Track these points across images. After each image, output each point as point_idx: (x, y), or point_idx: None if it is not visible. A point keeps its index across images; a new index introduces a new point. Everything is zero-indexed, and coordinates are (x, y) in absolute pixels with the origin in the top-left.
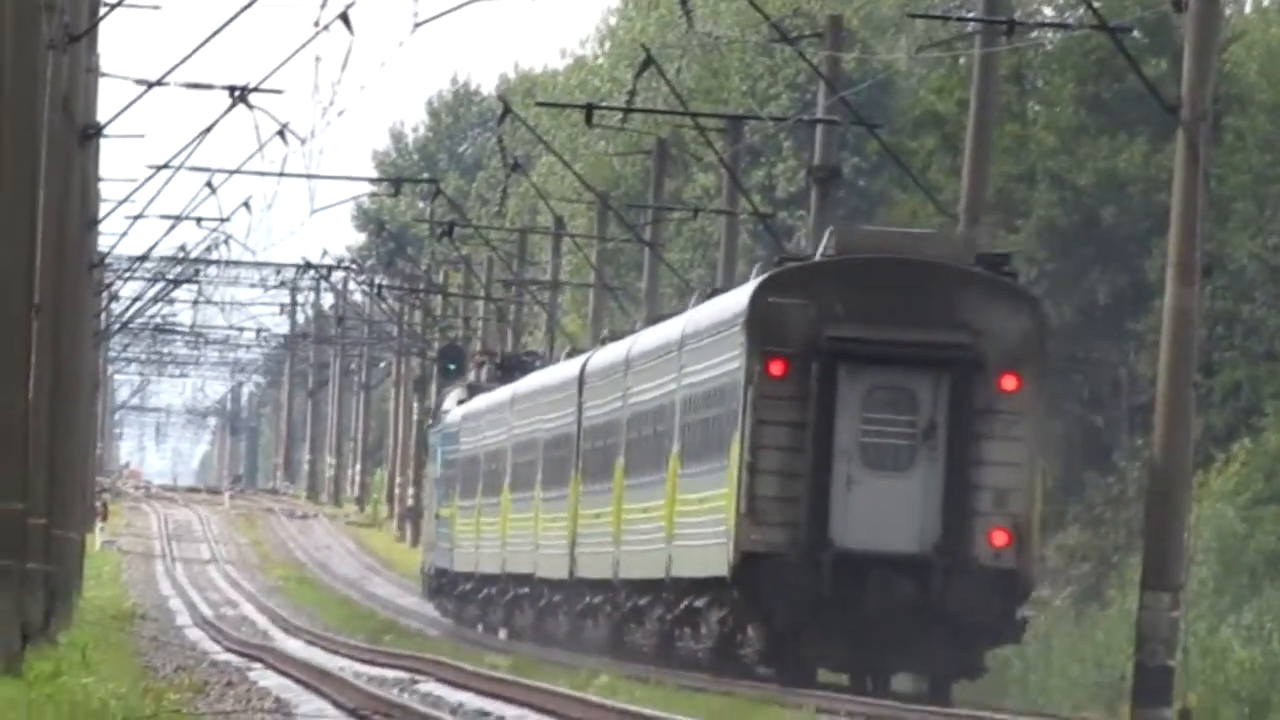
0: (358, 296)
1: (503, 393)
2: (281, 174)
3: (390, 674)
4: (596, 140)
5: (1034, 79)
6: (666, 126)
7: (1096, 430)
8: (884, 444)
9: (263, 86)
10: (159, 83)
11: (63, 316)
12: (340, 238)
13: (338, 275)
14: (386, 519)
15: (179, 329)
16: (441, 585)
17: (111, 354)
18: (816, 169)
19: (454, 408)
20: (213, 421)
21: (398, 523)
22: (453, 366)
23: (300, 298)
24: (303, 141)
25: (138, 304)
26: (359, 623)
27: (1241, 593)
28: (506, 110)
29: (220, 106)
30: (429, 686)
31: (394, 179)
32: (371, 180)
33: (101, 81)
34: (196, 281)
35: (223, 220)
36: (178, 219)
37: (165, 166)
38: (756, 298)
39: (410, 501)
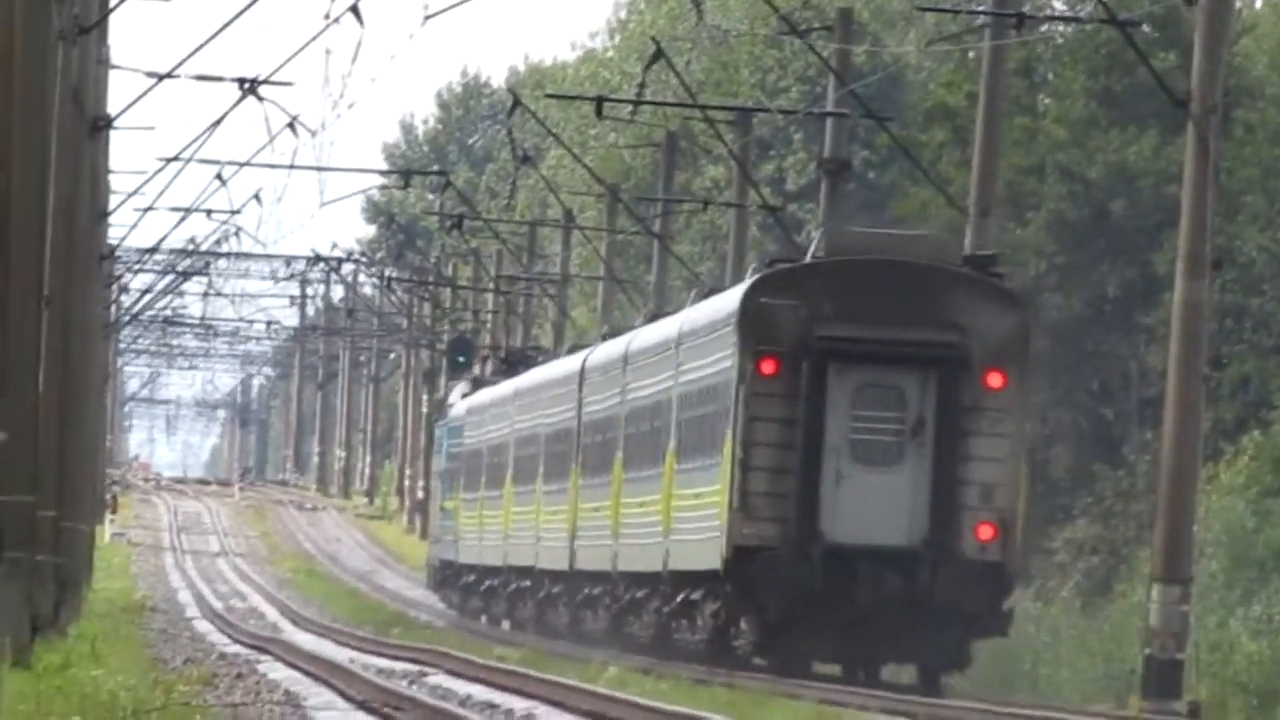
0: (367, 289)
1: (506, 387)
2: (291, 166)
3: (399, 666)
4: (606, 133)
5: (1044, 72)
6: (676, 119)
7: (1106, 423)
8: (873, 440)
9: (273, 79)
10: (169, 75)
11: (73, 308)
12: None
13: (347, 268)
14: (396, 511)
15: (189, 321)
16: (446, 577)
17: (121, 346)
18: (826, 162)
19: (459, 401)
20: (222, 414)
21: (407, 515)
22: (462, 359)
23: (310, 290)
24: (313, 134)
25: (148, 296)
26: (368, 615)
27: (1251, 586)
28: (516, 103)
29: (230, 99)
30: (438, 679)
31: (404, 171)
32: (381, 173)
33: (112, 73)
34: (206, 274)
35: (233, 213)
36: (188, 211)
37: (175, 159)
38: (748, 298)
39: (420, 494)
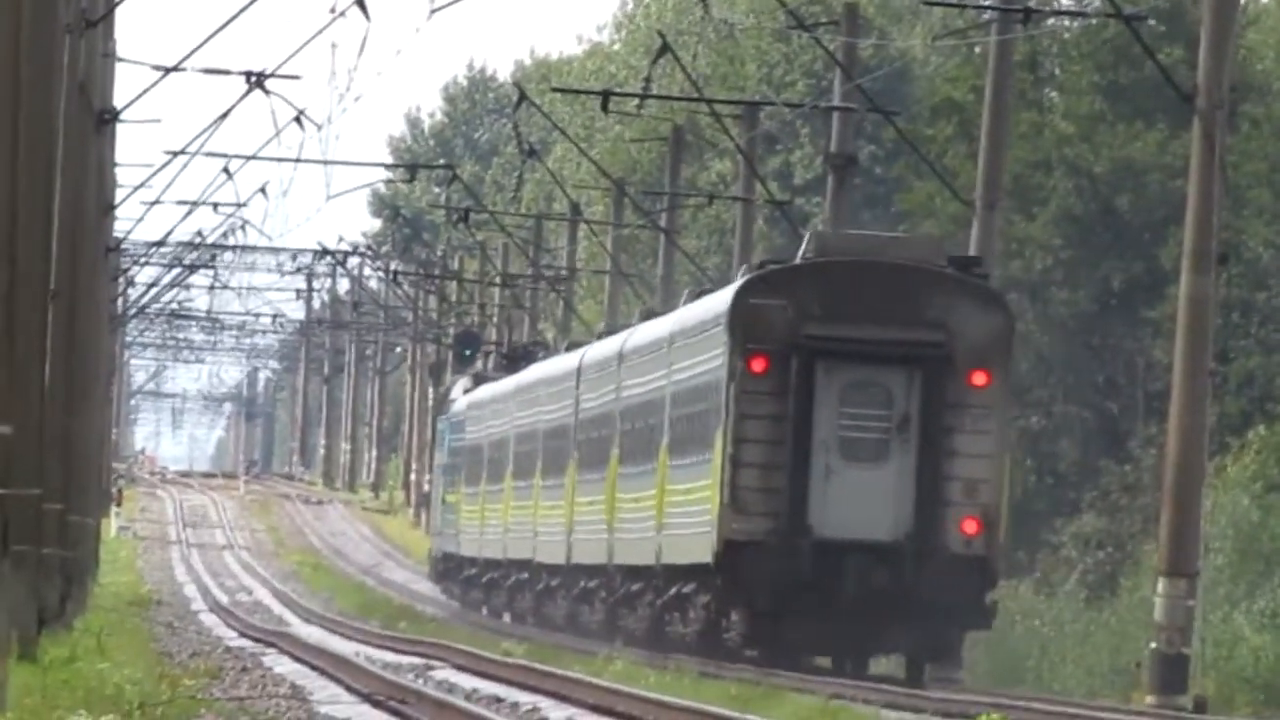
0: (373, 282)
1: (506, 383)
2: (298, 160)
3: (405, 660)
4: (612, 127)
5: (1050, 67)
6: (682, 113)
7: (1112, 417)
8: (860, 437)
9: (279, 72)
10: (176, 68)
11: (79, 302)
12: (356, 223)
13: (354, 261)
14: (402, 505)
15: (195, 314)
16: (448, 569)
17: (127, 339)
18: (833, 156)
19: (460, 396)
20: (228, 407)
21: (413, 509)
22: (468, 352)
23: (316, 283)
24: (319, 127)
25: (154, 289)
26: (374, 609)
27: (1257, 580)
28: (522, 96)
29: (237, 92)
30: (444, 673)
31: (410, 165)
32: (387, 166)
33: (118, 66)
34: (212, 267)
35: (239, 206)
36: (194, 204)
37: (182, 152)
38: (738, 298)
39: (426, 488)
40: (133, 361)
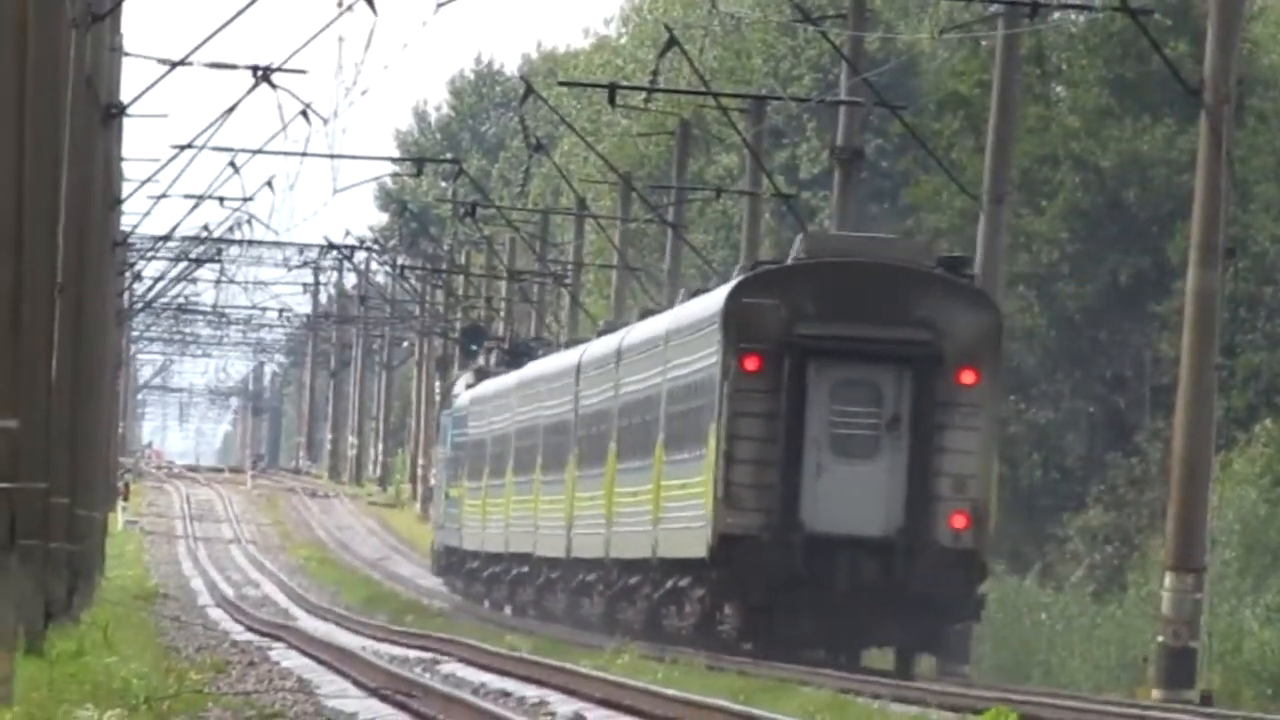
0: (380, 277)
1: (508, 379)
2: (304, 154)
3: (412, 654)
4: (619, 121)
5: (1057, 61)
6: (689, 107)
7: (1119, 411)
8: (851, 434)
9: (286, 66)
10: (182, 62)
11: (85, 296)
12: (363, 218)
13: (360, 255)
14: (409, 499)
15: (202, 309)
16: (451, 563)
17: (134, 334)
18: (839, 150)
19: (463, 392)
20: (235, 401)
21: (420, 503)
22: (475, 347)
23: (323, 278)
24: (325, 121)
25: (160, 284)
26: (381, 603)
27: (1264, 574)
28: (529, 90)
29: (243, 86)
30: (451, 667)
31: (416, 159)
32: (394, 160)
33: (125, 61)
34: (219, 261)
35: (246, 200)
36: (200, 199)
37: (188, 146)
38: (732, 298)
39: (432, 482)
40: (139, 356)
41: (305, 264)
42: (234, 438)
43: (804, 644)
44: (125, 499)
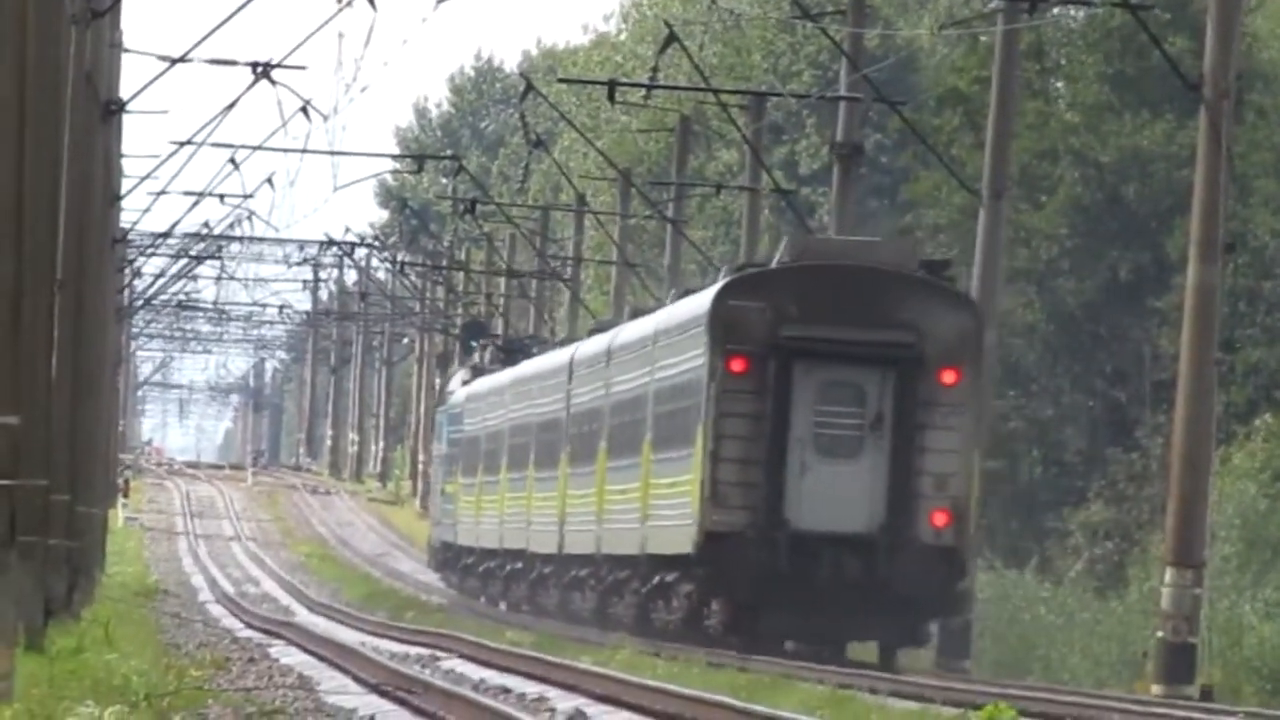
0: (380, 273)
1: (502, 377)
2: (304, 150)
3: (413, 650)
4: (619, 117)
5: (1056, 56)
6: (689, 103)
7: (1119, 406)
8: (835, 434)
9: (286, 63)
10: (182, 59)
11: (85, 293)
12: (363, 214)
13: (360, 252)
14: (409, 496)
15: (202, 305)
16: (446, 558)
17: (134, 330)
18: (839, 146)
19: (459, 389)
20: (235, 398)
21: (420, 499)
22: (475, 343)
23: (323, 274)
24: (325, 118)
25: (160, 280)
26: (381, 599)
27: (1264, 569)
28: (529, 87)
29: (243, 83)
30: (451, 663)
31: (417, 155)
32: (394, 157)
33: (124, 57)
34: (219, 258)
35: (246, 197)
36: (201, 195)
37: (188, 143)
38: (718, 300)
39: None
40: (139, 352)
41: (305, 261)
42: (234, 434)
43: (789, 639)
44: (125, 496)
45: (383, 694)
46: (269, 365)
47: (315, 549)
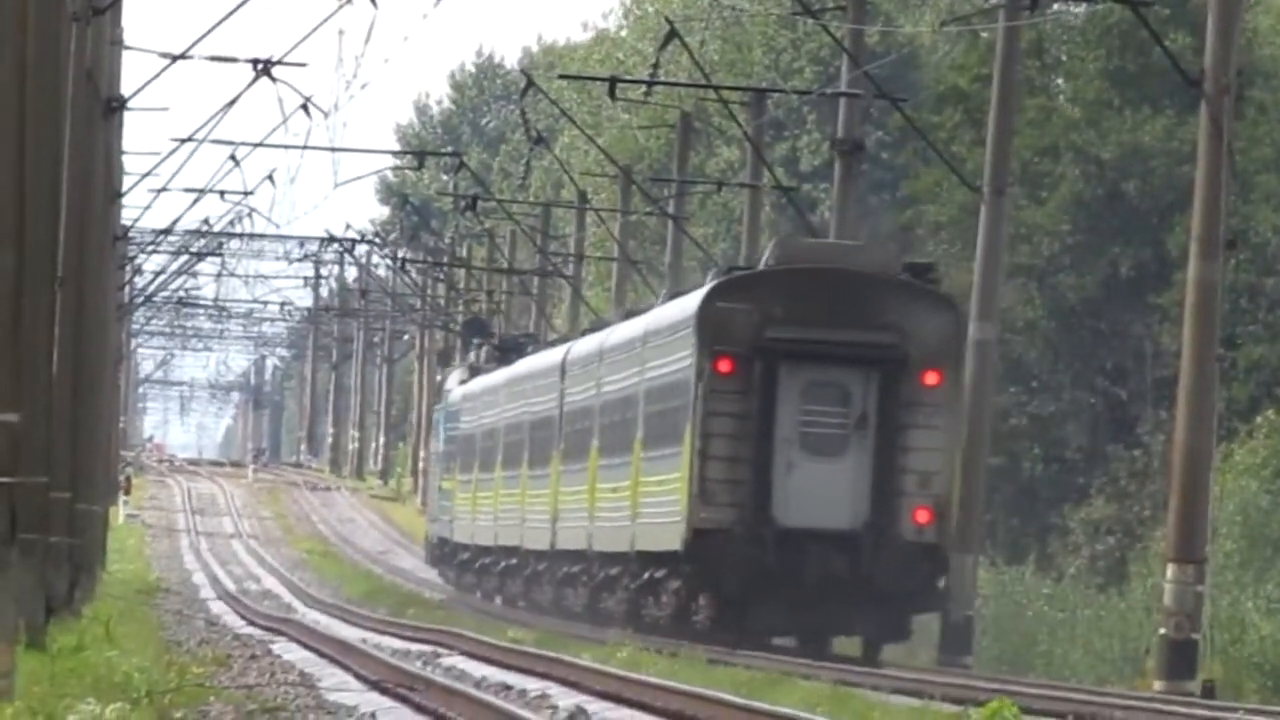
0: (381, 270)
1: (497, 376)
2: (305, 147)
3: (414, 647)
4: (620, 114)
5: (1057, 53)
6: (690, 100)
7: (1120, 403)
8: (820, 433)
9: (286, 60)
10: (183, 56)
11: (86, 290)
12: (363, 211)
13: (361, 249)
14: (410, 493)
15: (202, 303)
16: (443, 554)
17: (135, 328)
18: (840, 142)
19: (455, 387)
20: (236, 395)
21: (421, 496)
22: (476, 340)
23: (324, 271)
24: (326, 115)
25: (161, 277)
26: (382, 596)
27: (1265, 565)
28: (530, 83)
29: (244, 80)
30: (452, 660)
31: (417, 152)
32: (395, 153)
33: (125, 54)
34: (220, 255)
35: (246, 194)
36: (201, 192)
37: (189, 140)
38: (706, 303)
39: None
40: (140, 350)
41: (306, 257)
42: (235, 431)
43: (775, 634)
44: (126, 493)
45: (384, 691)
46: (270, 362)
47: (316, 546)
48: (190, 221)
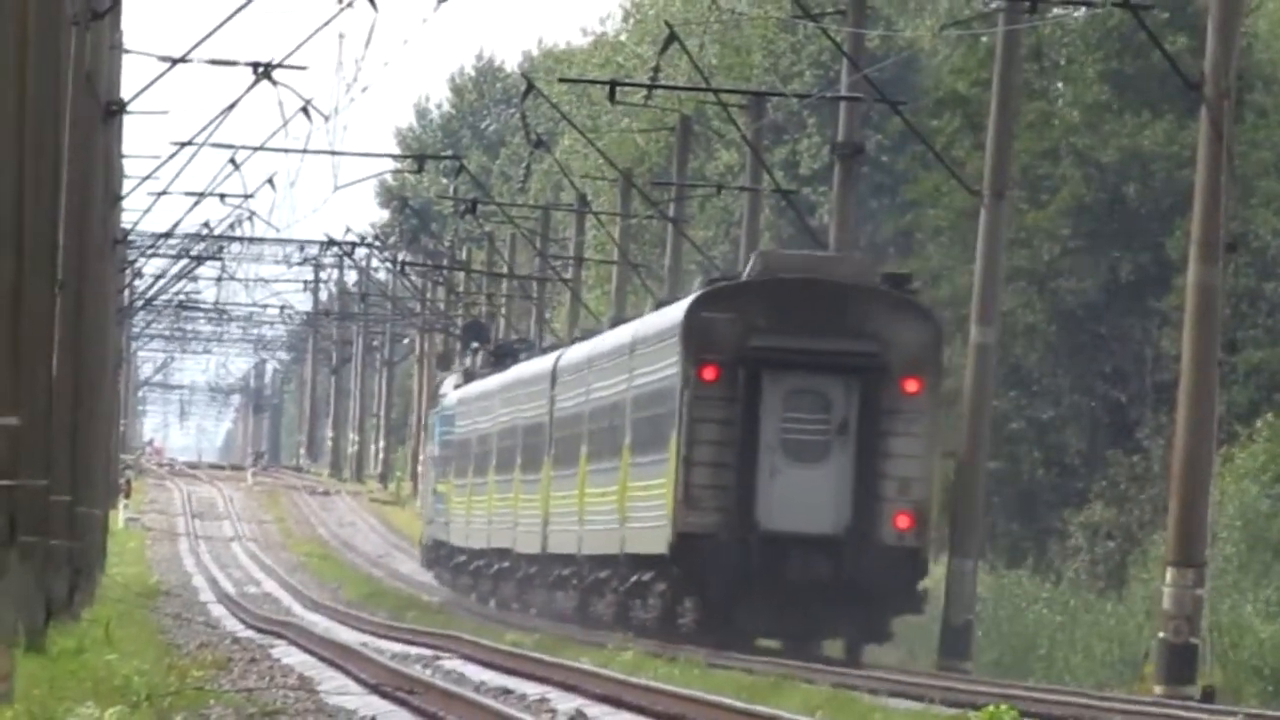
0: (381, 273)
1: (491, 381)
2: (305, 150)
3: (414, 651)
4: (620, 117)
5: (1056, 57)
6: (690, 103)
7: (1120, 407)
8: (802, 439)
9: (286, 63)
10: (183, 59)
11: (86, 293)
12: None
13: (361, 252)
14: (409, 496)
15: (202, 306)
16: (438, 557)
17: (135, 331)
18: (840, 146)
19: (451, 391)
20: (236, 399)
21: (420, 500)
22: (476, 344)
23: (324, 274)
24: (326, 118)
25: (161, 281)
26: (382, 599)
27: (1265, 569)
28: (530, 87)
29: (244, 83)
30: (452, 663)
31: (417, 155)
32: (395, 157)
33: (125, 58)
34: (220, 258)
35: (246, 197)
36: (201, 196)
37: (189, 143)
38: (691, 312)
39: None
40: (140, 353)
41: (306, 261)
42: (235, 435)
43: (759, 636)
44: (126, 496)
45: (383, 695)
46: (269, 366)
47: (316, 549)
48: (190, 225)
